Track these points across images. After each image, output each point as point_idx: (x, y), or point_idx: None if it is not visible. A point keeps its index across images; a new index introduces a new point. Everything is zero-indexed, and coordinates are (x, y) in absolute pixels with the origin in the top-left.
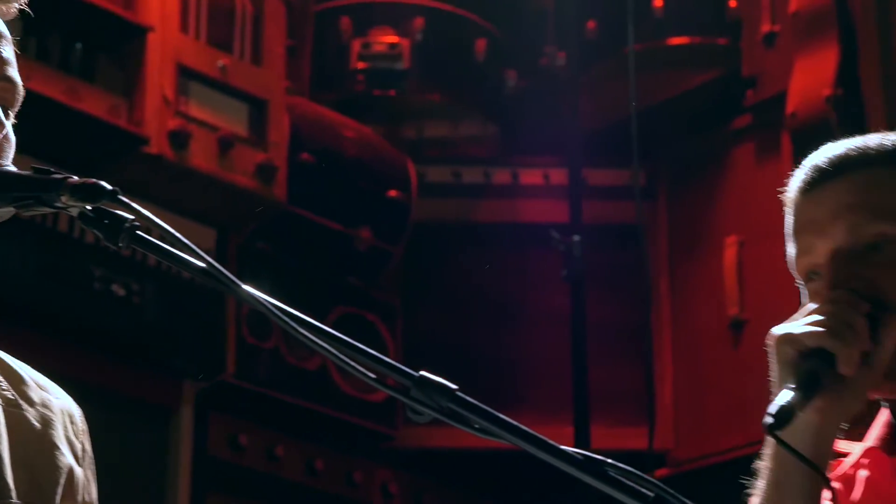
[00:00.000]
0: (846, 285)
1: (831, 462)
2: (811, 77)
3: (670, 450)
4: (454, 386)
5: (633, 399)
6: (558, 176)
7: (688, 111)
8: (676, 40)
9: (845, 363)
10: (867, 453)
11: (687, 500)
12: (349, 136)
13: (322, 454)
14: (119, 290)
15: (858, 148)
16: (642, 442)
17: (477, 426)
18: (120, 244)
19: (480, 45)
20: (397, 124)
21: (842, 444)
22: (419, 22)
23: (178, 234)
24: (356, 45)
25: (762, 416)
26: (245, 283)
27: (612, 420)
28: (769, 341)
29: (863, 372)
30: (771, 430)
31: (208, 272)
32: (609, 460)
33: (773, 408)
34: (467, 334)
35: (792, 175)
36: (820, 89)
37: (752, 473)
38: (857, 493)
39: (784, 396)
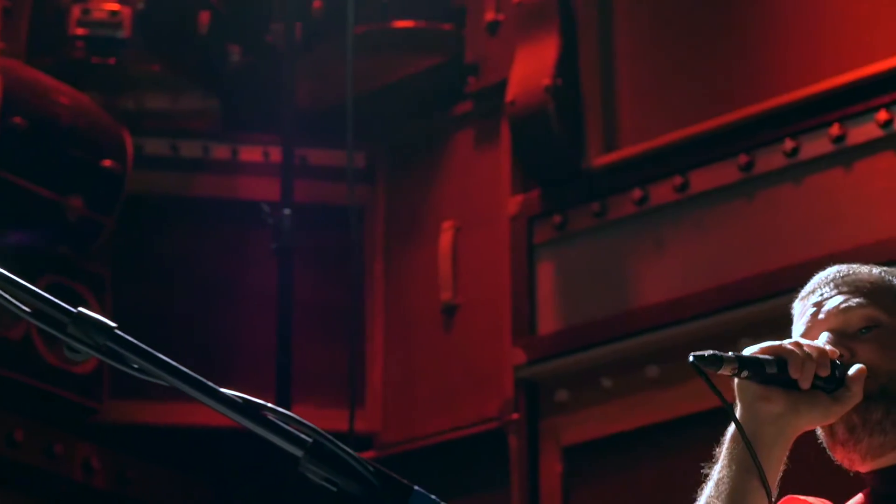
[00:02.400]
0: (836, 347)
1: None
2: (531, 66)
3: (378, 432)
4: (113, 324)
5: (340, 380)
6: (278, 154)
7: (410, 96)
8: (401, 24)
9: (795, 368)
10: None
11: (343, 446)
12: (64, 103)
13: (22, 425)
14: None
15: (851, 266)
16: (347, 424)
17: (136, 366)
18: None
19: (204, 17)
20: (116, 94)
21: None
22: None
23: None
24: (76, 11)
25: (470, 401)
26: None
27: (318, 401)
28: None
29: (822, 397)
30: (693, 360)
31: None
32: (268, 405)
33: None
34: (178, 309)
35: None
36: (539, 79)
37: (458, 457)
38: None
39: (756, 361)
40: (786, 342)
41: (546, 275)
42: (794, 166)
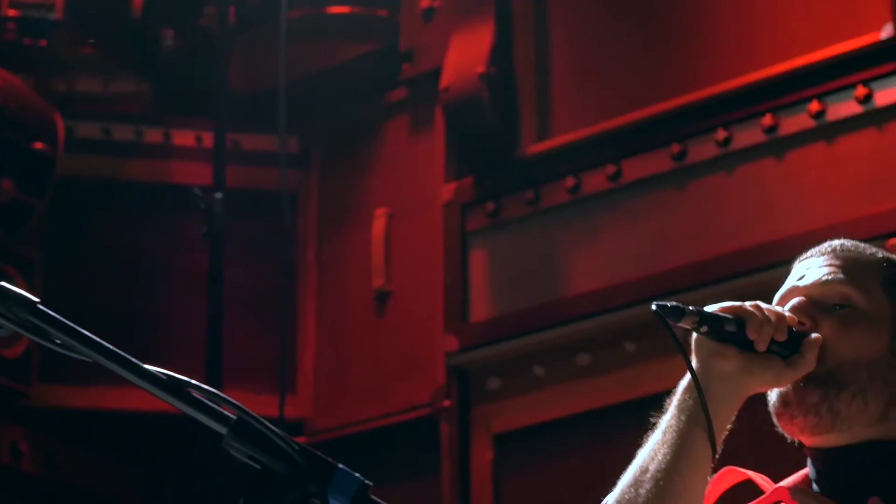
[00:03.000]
0: (799, 314)
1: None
2: (466, 54)
3: (309, 418)
4: (36, 299)
5: (272, 366)
6: (211, 139)
7: (344, 82)
8: (335, 9)
9: (752, 329)
10: (778, 492)
11: (268, 423)
12: None
13: None
14: None
15: (857, 243)
16: (277, 410)
17: (58, 341)
18: None
19: (137, 0)
20: (48, 76)
21: (761, 480)
22: None
23: None
24: None
25: (402, 388)
26: None
27: (249, 386)
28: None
29: (775, 361)
30: (655, 308)
31: None
32: (193, 381)
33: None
34: (109, 293)
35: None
36: (474, 66)
37: (389, 443)
38: None
39: (718, 319)
40: (746, 304)
41: (479, 262)
42: (727, 156)
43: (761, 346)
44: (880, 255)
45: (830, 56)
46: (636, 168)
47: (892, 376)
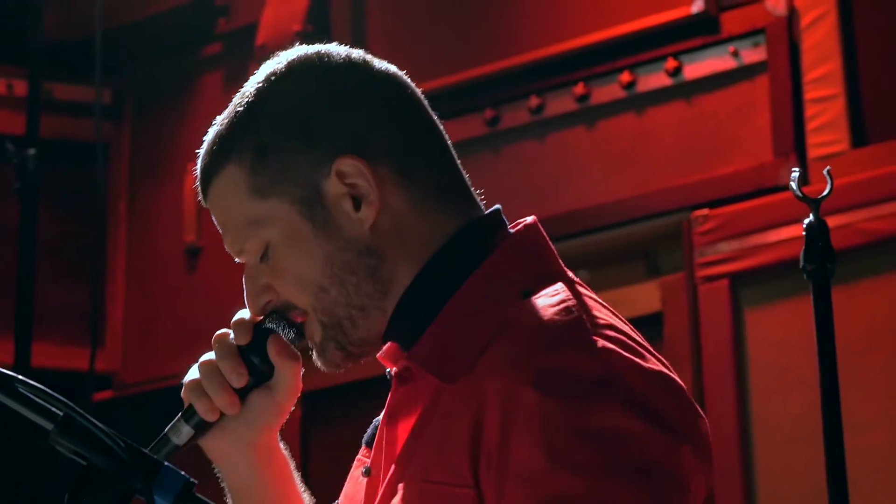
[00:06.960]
0: (257, 302)
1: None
2: (282, 11)
3: (117, 372)
4: None
5: (81, 319)
6: (22, 87)
7: (160, 33)
8: None
9: (206, 413)
10: None
11: (93, 420)
12: None
13: None
14: None
15: (210, 143)
16: (87, 363)
17: None
18: None
19: None
20: None
21: None
22: None
23: None
24: None
25: (211, 344)
26: None
27: (58, 339)
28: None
29: (258, 399)
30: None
31: None
32: (20, 377)
33: (158, 443)
34: None
35: None
36: (290, 24)
37: None
38: None
39: (172, 433)
40: (189, 379)
41: None
42: (539, 123)
43: (231, 410)
44: (230, 129)
45: (642, 28)
46: (449, 132)
47: (361, 264)
